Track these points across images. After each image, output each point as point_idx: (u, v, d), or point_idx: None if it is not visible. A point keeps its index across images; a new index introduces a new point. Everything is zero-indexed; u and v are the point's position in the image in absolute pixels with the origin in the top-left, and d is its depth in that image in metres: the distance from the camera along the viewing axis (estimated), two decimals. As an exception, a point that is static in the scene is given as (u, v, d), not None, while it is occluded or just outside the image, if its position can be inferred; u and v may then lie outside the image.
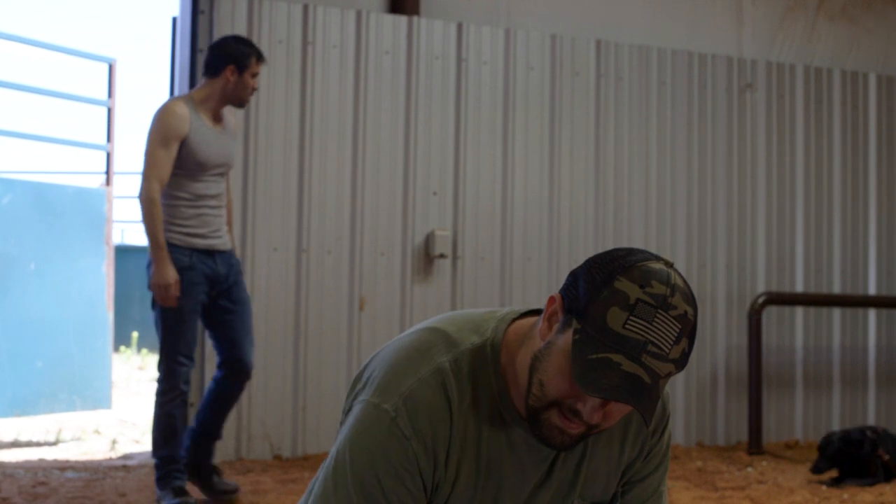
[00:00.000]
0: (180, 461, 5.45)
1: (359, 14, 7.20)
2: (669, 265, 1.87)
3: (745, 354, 7.95)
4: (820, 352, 8.46)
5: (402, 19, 7.32)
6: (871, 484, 6.35)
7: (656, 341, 1.77)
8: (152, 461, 5.54)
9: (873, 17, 8.97)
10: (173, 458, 5.41)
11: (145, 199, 5.26)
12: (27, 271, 8.36)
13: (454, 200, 7.42)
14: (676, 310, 1.80)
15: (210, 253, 5.45)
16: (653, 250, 7.80)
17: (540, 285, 7.58)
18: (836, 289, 8.52)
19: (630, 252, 1.88)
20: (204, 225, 5.43)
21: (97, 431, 8.30)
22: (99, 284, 8.79)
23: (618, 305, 1.79)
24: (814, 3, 8.74)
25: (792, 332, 8.38)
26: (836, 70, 8.63)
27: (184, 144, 5.33)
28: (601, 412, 1.84)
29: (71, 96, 9.40)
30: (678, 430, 7.95)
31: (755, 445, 7.65)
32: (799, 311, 8.39)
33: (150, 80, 46.60)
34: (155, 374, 9.00)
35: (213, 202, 5.47)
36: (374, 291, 7.14)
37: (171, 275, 5.23)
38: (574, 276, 1.89)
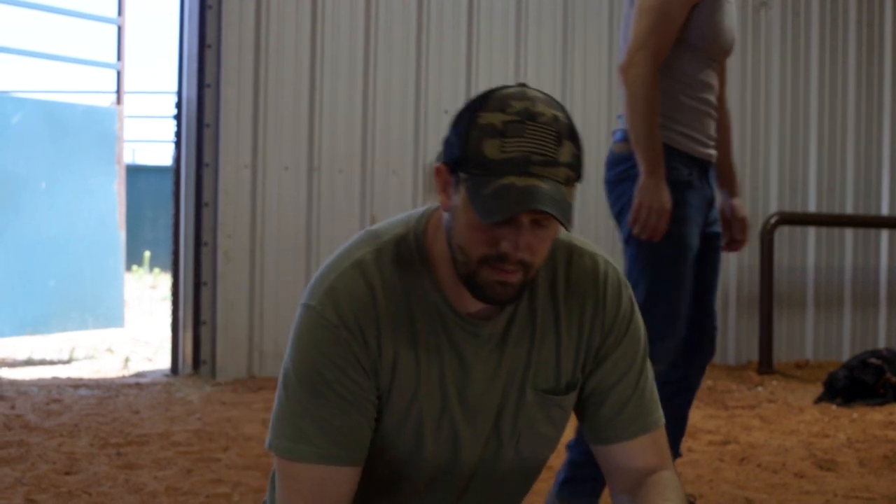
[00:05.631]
0: None
1: (369, -71, 7.12)
2: (523, 85, 1.90)
3: (756, 274, 7.93)
4: (832, 272, 8.45)
5: (414, -65, 7.23)
6: (881, 404, 6.37)
7: (536, 150, 1.81)
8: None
9: (891, -67, 8.83)
10: None
11: (636, 77, 3.63)
12: (38, 190, 8.35)
13: (466, 119, 7.36)
14: (544, 115, 1.84)
15: (706, 167, 3.72)
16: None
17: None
18: (849, 209, 8.48)
19: (482, 93, 1.91)
20: (704, 128, 3.69)
21: (110, 350, 8.35)
22: (110, 204, 8.77)
23: (488, 137, 1.82)
24: (831, -81, 8.60)
25: (804, 252, 8.36)
26: (852, -13, 8.53)
27: (697, 10, 3.58)
28: (524, 239, 1.85)
29: (81, 14, 9.33)
30: (689, 350, 7.96)
31: (766, 365, 7.66)
32: (811, 231, 8.36)
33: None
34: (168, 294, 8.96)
35: (712, 99, 3.73)
36: (386, 210, 7.12)
37: (667, 197, 3.48)
38: (445, 140, 1.92)
